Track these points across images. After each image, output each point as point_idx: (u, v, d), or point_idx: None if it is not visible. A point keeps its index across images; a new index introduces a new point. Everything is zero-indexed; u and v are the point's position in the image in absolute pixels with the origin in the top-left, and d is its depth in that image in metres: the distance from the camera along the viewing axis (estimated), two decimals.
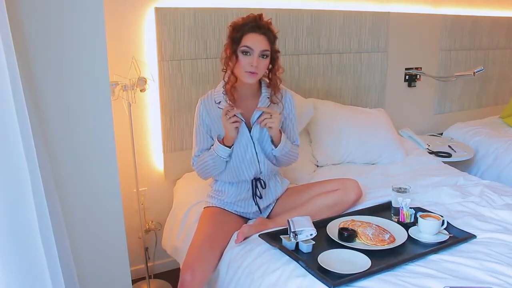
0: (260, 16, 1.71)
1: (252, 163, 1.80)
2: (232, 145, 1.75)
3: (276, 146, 1.79)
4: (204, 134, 1.83)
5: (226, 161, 1.78)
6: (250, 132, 1.78)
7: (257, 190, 1.85)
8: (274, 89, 1.81)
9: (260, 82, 1.83)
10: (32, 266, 1.10)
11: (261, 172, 1.83)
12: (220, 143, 1.74)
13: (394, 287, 1.33)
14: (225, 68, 1.76)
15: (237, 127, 1.72)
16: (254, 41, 1.67)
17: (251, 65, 1.67)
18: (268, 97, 1.81)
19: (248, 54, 1.68)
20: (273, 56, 1.74)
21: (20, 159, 1.04)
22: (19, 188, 1.06)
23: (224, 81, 1.79)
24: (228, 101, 1.76)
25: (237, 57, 1.69)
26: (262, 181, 1.86)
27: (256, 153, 1.80)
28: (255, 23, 1.68)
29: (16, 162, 1.04)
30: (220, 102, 1.78)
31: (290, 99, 1.88)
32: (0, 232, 1.02)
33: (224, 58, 1.74)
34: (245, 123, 1.77)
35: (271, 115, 1.71)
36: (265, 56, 1.70)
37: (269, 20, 1.73)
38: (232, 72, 1.73)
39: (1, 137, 1.01)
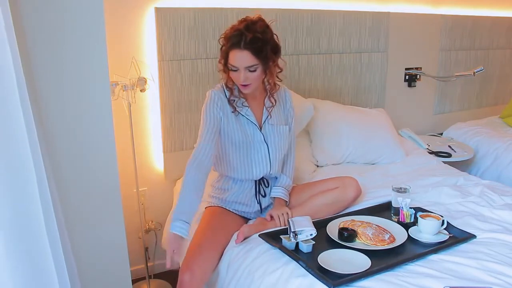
0: (248, 25, 1.63)
1: (263, 162, 1.81)
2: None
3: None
4: (214, 123, 1.73)
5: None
6: (261, 130, 1.80)
7: (261, 188, 1.86)
8: (268, 93, 1.83)
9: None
10: (40, 267, 1.11)
11: (270, 172, 1.84)
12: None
13: (394, 287, 1.33)
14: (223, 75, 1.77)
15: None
16: (237, 59, 1.64)
17: (238, 81, 1.68)
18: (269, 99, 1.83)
19: (236, 70, 1.67)
20: (264, 66, 1.68)
21: (27, 160, 1.04)
22: (26, 189, 1.06)
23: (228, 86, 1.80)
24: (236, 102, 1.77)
25: (229, 69, 1.70)
26: (265, 180, 1.87)
27: (269, 153, 1.81)
28: (239, 38, 1.61)
29: (23, 164, 1.04)
30: (234, 100, 1.77)
31: (289, 98, 1.92)
32: (9, 233, 1.02)
33: (221, 70, 1.75)
34: (256, 123, 1.79)
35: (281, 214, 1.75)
36: (253, 70, 1.66)
37: (258, 24, 1.64)
38: (229, 82, 1.75)
39: (9, 138, 1.01)
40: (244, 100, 1.79)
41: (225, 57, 1.69)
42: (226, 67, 1.70)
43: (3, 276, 1.01)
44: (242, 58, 1.63)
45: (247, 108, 1.80)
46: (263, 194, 1.87)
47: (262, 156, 1.81)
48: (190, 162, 1.67)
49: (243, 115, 1.79)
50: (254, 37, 1.61)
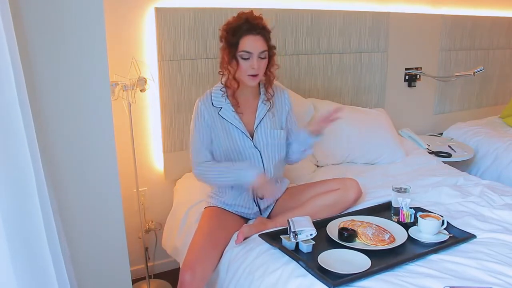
0: (251, 13, 1.68)
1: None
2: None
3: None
4: (206, 137, 1.79)
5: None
6: (252, 139, 1.79)
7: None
8: (267, 84, 1.81)
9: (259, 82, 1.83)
10: (40, 268, 1.11)
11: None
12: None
13: (394, 287, 1.33)
14: (225, 72, 1.75)
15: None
16: (252, 44, 1.65)
17: (252, 68, 1.67)
18: (265, 101, 1.82)
19: (248, 58, 1.67)
20: (269, 53, 1.73)
21: (26, 161, 1.04)
22: (25, 189, 1.06)
23: (222, 83, 1.78)
24: (233, 108, 1.76)
25: (237, 61, 1.69)
26: None
27: (262, 159, 1.80)
28: (249, 25, 1.65)
29: (21, 165, 1.04)
30: (221, 108, 1.77)
31: (288, 99, 1.91)
32: (11, 234, 1.02)
33: (224, 64, 1.73)
34: (244, 130, 1.77)
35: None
36: (263, 57, 1.69)
37: (260, 15, 1.69)
38: (234, 77, 1.72)
39: (7, 139, 1.01)
40: (233, 110, 1.77)
41: (234, 47, 1.67)
42: (234, 60, 1.69)
43: (10, 278, 1.01)
44: (256, 42, 1.66)
45: (235, 114, 1.77)
46: (261, 197, 1.87)
47: (255, 163, 1.79)
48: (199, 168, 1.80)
49: (230, 123, 1.77)
50: (263, 25, 1.68)
